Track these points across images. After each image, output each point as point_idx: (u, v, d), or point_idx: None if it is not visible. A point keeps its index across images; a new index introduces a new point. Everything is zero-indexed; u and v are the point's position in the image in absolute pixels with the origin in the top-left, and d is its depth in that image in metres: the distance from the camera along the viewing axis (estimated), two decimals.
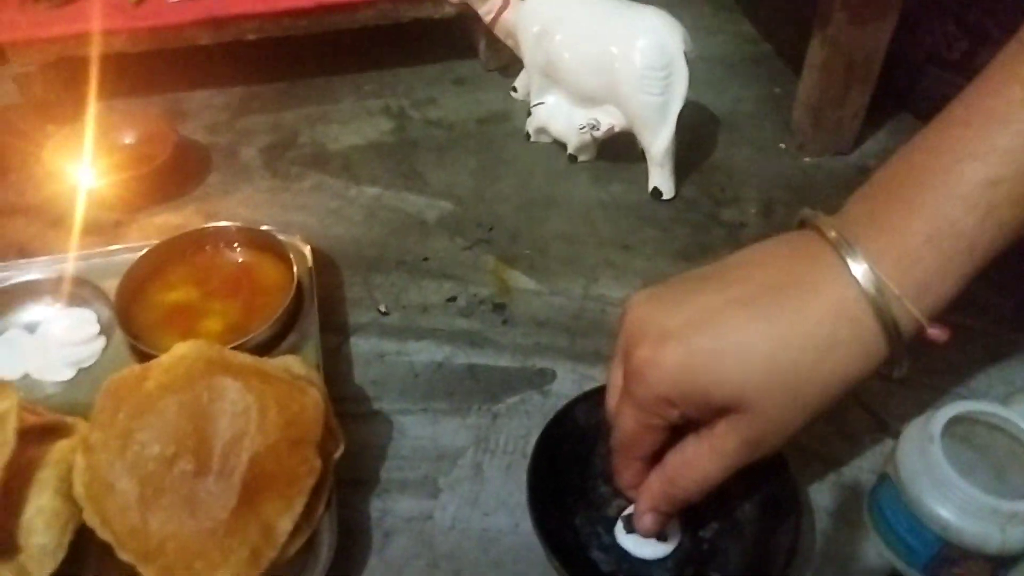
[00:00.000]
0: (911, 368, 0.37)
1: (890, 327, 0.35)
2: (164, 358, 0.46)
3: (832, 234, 0.36)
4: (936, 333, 0.36)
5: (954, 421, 0.43)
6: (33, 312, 0.57)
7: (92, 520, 0.41)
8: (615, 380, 0.42)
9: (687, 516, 0.46)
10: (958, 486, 0.40)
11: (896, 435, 0.45)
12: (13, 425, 0.41)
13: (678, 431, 0.40)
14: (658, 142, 0.65)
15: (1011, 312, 0.59)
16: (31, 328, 0.56)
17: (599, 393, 0.47)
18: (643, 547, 0.45)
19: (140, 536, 0.41)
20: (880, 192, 0.38)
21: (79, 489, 0.42)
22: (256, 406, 0.43)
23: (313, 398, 0.45)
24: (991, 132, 0.35)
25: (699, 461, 0.39)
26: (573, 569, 0.41)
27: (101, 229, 0.67)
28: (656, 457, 0.41)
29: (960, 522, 0.40)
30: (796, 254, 0.37)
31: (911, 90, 0.75)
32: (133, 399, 0.43)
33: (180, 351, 0.46)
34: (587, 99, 0.68)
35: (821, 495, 0.48)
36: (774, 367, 0.35)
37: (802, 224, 0.40)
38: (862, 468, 0.49)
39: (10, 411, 0.42)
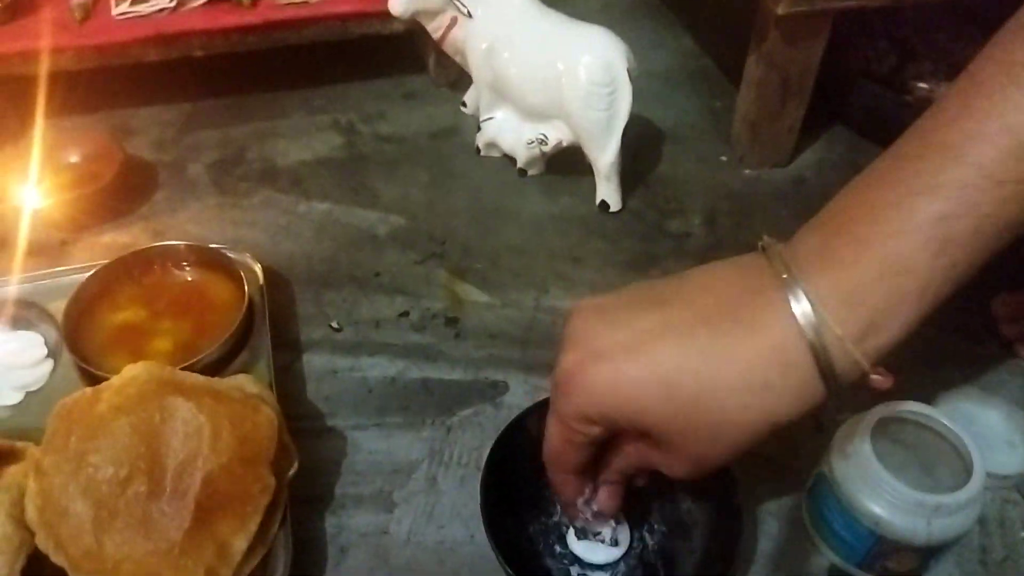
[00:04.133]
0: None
1: (827, 373, 0.34)
2: (115, 380, 0.46)
3: (779, 267, 0.35)
4: (879, 380, 0.35)
5: (884, 421, 0.45)
6: None
7: (45, 545, 0.41)
8: None
9: (635, 520, 0.48)
10: (887, 482, 0.42)
11: (831, 434, 0.47)
12: None
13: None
14: (605, 156, 0.67)
15: (944, 316, 0.61)
16: None
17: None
18: (594, 552, 0.46)
19: (95, 559, 0.41)
20: (831, 224, 0.36)
21: (32, 514, 0.42)
22: (209, 426, 0.43)
23: (266, 416, 0.45)
24: (944, 166, 0.33)
25: (631, 465, 0.40)
26: None
27: (46, 250, 0.66)
28: (592, 469, 0.42)
29: (890, 516, 0.42)
30: (742, 283, 0.36)
31: (845, 103, 0.79)
32: (85, 422, 0.43)
33: (131, 372, 0.46)
34: (535, 114, 0.69)
35: (763, 496, 0.50)
36: (698, 408, 0.34)
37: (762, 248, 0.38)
38: (801, 469, 0.51)
39: None
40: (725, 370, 0.34)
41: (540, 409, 0.48)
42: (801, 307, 0.34)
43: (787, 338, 0.34)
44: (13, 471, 0.44)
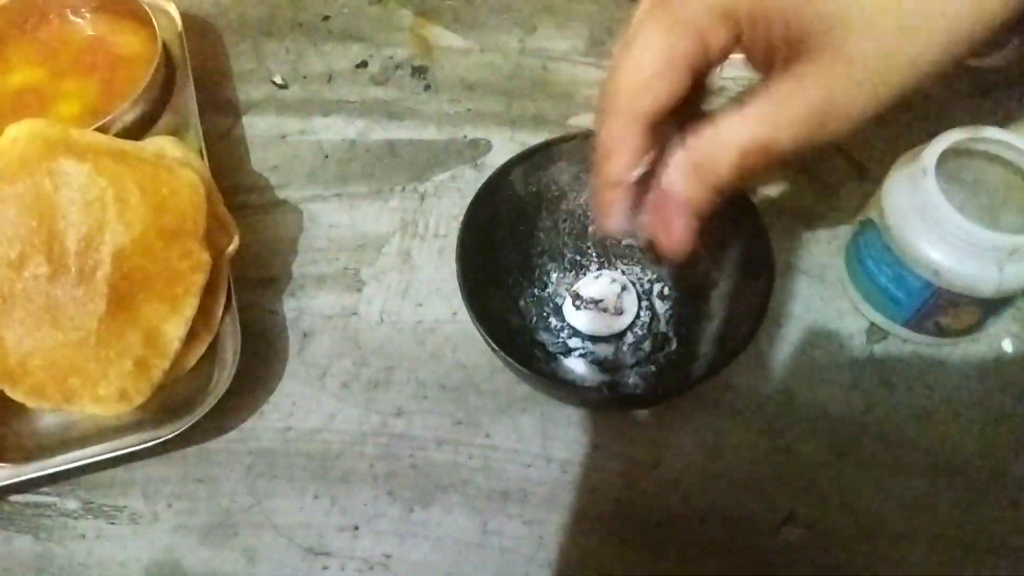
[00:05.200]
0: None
1: None
2: None
3: None
4: None
5: (944, 156, 0.37)
6: None
7: None
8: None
9: (643, 286, 0.41)
10: (954, 222, 0.34)
11: (876, 182, 0.38)
12: None
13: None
14: None
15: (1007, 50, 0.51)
16: None
17: (538, 153, 0.39)
18: (596, 323, 0.39)
19: None
20: None
21: None
22: (112, 191, 0.35)
23: (188, 179, 0.37)
24: None
25: (741, 131, 0.26)
26: (514, 353, 0.36)
27: None
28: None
29: (954, 263, 0.35)
30: None
31: None
32: None
33: (12, 133, 0.36)
34: None
35: (794, 252, 0.43)
36: None
37: None
38: (839, 221, 0.44)
39: None
40: None
41: (527, 159, 0.39)
42: None
43: None
44: None
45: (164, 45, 0.46)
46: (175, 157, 0.39)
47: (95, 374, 0.34)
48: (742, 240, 0.38)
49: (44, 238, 0.34)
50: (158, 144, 0.40)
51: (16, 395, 0.34)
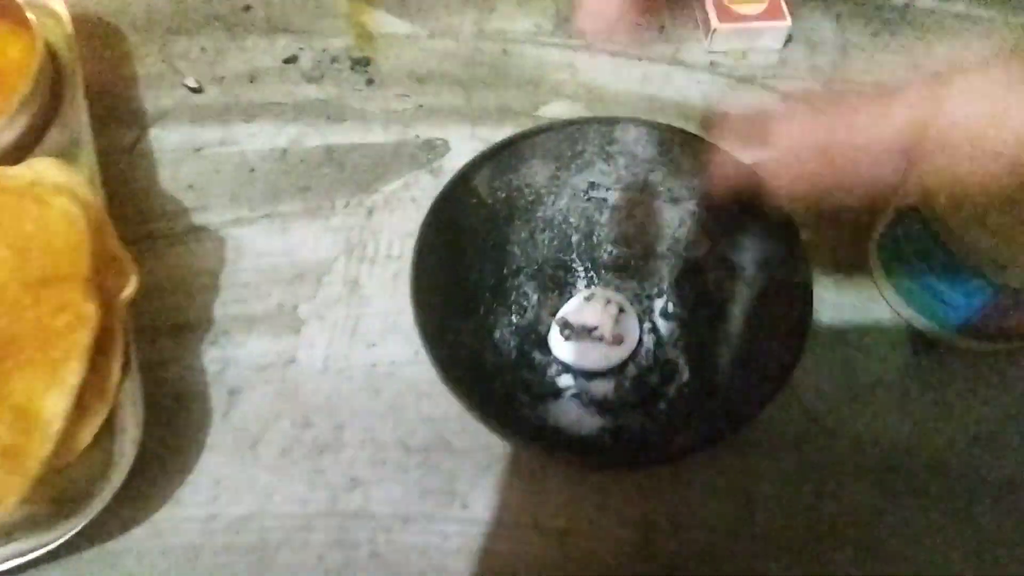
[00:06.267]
0: None
1: None
2: None
3: None
4: None
5: None
6: None
7: None
8: None
9: (643, 302, 0.34)
10: None
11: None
12: None
13: None
14: None
15: None
16: None
17: (505, 150, 0.32)
18: (590, 354, 0.32)
19: None
20: None
21: None
22: None
23: (62, 209, 0.29)
24: None
25: None
26: (491, 402, 0.28)
27: None
28: None
29: None
30: None
31: None
32: None
33: None
34: None
35: (813, 248, 0.36)
36: None
37: None
38: (868, 207, 0.37)
39: None
40: None
41: (491, 160, 0.32)
42: None
43: None
44: None
45: (50, 50, 0.39)
46: (54, 183, 0.31)
47: None
48: (762, 237, 0.31)
49: None
50: (36, 169, 0.32)
51: None
